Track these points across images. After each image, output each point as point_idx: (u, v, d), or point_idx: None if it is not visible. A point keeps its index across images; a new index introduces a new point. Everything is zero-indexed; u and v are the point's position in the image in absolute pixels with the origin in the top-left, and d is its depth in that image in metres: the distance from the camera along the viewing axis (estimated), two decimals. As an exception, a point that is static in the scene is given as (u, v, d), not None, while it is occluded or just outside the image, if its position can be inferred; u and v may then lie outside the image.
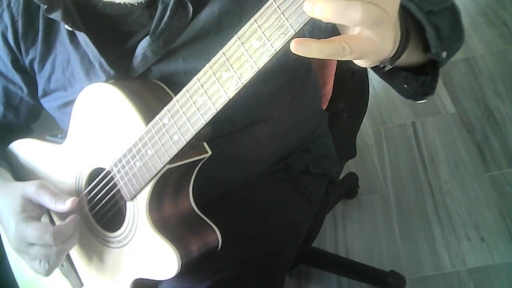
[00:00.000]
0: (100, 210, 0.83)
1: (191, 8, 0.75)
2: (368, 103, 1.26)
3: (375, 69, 0.60)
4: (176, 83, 0.73)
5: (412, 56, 0.61)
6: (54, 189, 0.80)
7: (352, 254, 1.62)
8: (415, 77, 0.65)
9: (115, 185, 0.78)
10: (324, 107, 1.19)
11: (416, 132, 1.93)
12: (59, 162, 0.87)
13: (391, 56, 0.55)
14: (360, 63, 0.51)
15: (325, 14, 0.43)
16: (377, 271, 1.49)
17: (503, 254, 1.46)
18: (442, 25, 0.64)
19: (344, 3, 0.42)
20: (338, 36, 0.46)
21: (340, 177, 1.42)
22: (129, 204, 0.77)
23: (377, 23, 0.44)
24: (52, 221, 0.88)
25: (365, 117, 1.29)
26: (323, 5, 0.43)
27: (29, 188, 0.79)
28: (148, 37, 0.76)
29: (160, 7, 0.76)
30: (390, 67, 0.58)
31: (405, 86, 0.65)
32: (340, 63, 1.12)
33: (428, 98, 0.66)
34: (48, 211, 0.87)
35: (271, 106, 0.89)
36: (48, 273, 0.80)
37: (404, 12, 0.58)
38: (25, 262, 0.82)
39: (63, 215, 0.86)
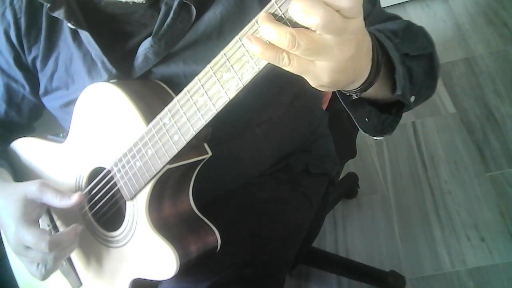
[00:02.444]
0: (100, 210, 0.83)
1: (195, 11, 0.75)
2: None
3: (342, 97, 0.62)
4: (176, 86, 0.73)
5: (379, 92, 0.62)
6: (56, 187, 0.80)
7: (352, 254, 1.62)
8: (378, 113, 0.66)
9: (115, 184, 0.78)
10: (324, 107, 1.19)
11: (416, 132, 1.93)
12: (59, 161, 0.87)
13: (354, 88, 0.56)
14: (310, 83, 0.52)
15: (266, 31, 0.47)
16: (377, 271, 1.49)
17: (503, 254, 1.46)
18: (416, 70, 0.65)
19: (280, 28, 0.46)
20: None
21: (340, 177, 1.42)
22: (128, 204, 0.77)
23: (312, 53, 0.47)
24: (52, 221, 0.88)
25: (365, 117, 1.28)
26: (267, 24, 0.47)
27: (31, 187, 0.79)
28: (150, 38, 0.77)
29: (163, 8, 0.76)
30: (355, 97, 0.59)
31: (367, 119, 0.66)
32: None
33: (383, 137, 0.68)
34: (48, 211, 0.87)
35: (271, 107, 0.89)
36: (44, 277, 0.80)
37: (381, 48, 0.58)
38: (23, 264, 0.82)
39: (64, 216, 0.86)
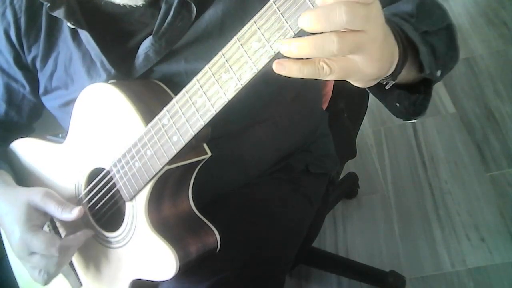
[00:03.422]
0: (100, 210, 0.83)
1: (195, 9, 0.75)
2: (368, 103, 1.26)
3: (375, 87, 0.61)
4: (177, 84, 0.73)
5: (409, 73, 0.62)
6: (60, 198, 0.80)
7: (352, 254, 1.62)
8: (408, 95, 0.66)
9: (114, 185, 0.78)
10: (324, 107, 1.19)
11: (416, 132, 1.93)
12: (59, 161, 0.87)
13: (390, 73, 0.56)
14: (354, 83, 0.52)
15: (303, 51, 0.45)
16: (377, 271, 1.49)
17: (503, 254, 1.46)
18: (437, 45, 0.64)
19: (320, 38, 0.44)
20: (318, 57, 0.47)
21: (340, 177, 1.42)
22: (128, 205, 0.77)
23: (356, 48, 0.45)
24: (55, 227, 0.88)
25: (365, 117, 1.28)
26: (299, 43, 0.45)
27: (34, 196, 0.79)
28: (150, 37, 0.77)
29: (163, 7, 0.76)
30: (392, 83, 0.59)
31: (397, 104, 0.66)
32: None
33: (418, 118, 0.67)
34: (51, 217, 0.87)
35: (271, 106, 0.89)
36: (46, 282, 0.80)
37: (401, 31, 0.58)
38: (26, 269, 0.82)
39: (67, 223, 0.86)
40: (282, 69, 0.48)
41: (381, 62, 0.50)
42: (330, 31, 0.44)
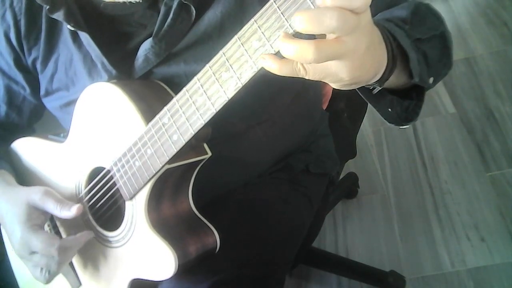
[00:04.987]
0: (99, 209, 0.83)
1: (194, 11, 0.75)
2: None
3: (363, 91, 0.61)
4: (177, 85, 0.73)
5: (400, 79, 0.62)
6: (59, 196, 0.80)
7: (352, 254, 1.62)
8: (400, 101, 0.66)
9: (114, 184, 0.78)
10: (324, 107, 1.19)
11: (416, 132, 1.93)
12: (60, 160, 0.87)
13: (377, 79, 0.56)
14: (331, 85, 0.52)
15: (287, 52, 0.46)
16: (377, 271, 1.49)
17: (503, 254, 1.46)
18: (430, 52, 0.64)
19: (300, 45, 0.45)
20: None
21: (340, 177, 1.42)
22: (128, 204, 0.77)
23: (333, 58, 0.46)
24: (55, 226, 0.88)
25: (365, 117, 1.28)
26: (287, 44, 0.46)
27: (34, 194, 0.79)
28: (150, 39, 0.77)
29: (163, 9, 0.76)
30: (379, 88, 0.59)
31: (390, 110, 0.66)
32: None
33: (409, 124, 0.67)
34: (51, 217, 0.87)
35: (271, 106, 0.89)
36: (48, 281, 0.80)
37: (393, 38, 0.58)
38: (27, 268, 0.82)
39: (67, 222, 0.86)
40: (264, 62, 0.49)
41: (361, 70, 0.50)
42: (309, 41, 0.44)
